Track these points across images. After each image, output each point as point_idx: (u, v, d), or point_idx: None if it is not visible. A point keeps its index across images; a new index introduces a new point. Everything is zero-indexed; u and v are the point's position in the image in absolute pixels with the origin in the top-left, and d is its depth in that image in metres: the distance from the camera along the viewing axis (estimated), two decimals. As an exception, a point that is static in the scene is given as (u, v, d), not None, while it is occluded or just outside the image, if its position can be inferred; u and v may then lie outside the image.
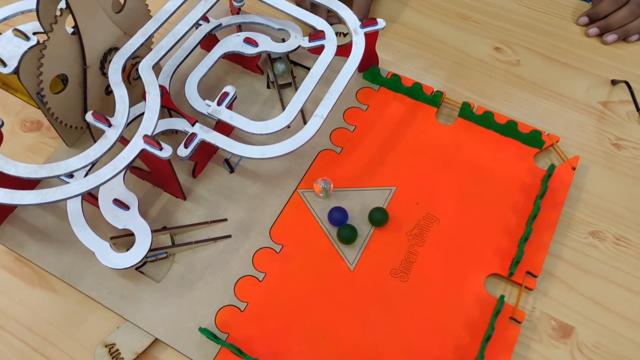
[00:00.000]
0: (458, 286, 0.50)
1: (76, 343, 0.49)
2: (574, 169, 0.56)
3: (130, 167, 0.55)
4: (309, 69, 0.55)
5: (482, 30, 0.70)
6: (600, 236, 0.53)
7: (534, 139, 0.57)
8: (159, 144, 0.46)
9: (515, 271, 0.50)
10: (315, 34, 0.57)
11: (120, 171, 0.46)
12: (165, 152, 0.47)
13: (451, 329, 0.48)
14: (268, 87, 0.63)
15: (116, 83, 0.49)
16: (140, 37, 0.52)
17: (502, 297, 0.48)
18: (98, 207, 0.50)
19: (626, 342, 0.48)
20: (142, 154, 0.48)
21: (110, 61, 0.51)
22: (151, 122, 0.48)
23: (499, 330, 0.47)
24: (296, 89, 0.60)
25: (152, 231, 0.49)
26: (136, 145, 0.47)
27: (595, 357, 0.47)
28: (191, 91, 0.55)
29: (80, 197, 0.50)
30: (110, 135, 0.47)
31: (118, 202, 0.50)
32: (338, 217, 0.53)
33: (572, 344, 0.48)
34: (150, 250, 0.50)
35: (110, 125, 0.48)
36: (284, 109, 0.60)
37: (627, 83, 0.63)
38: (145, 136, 0.47)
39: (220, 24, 0.61)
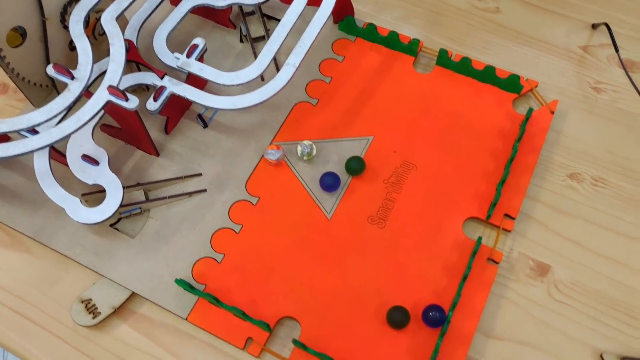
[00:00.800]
0: (436, 230, 0.50)
1: (53, 301, 0.49)
2: (552, 112, 0.56)
3: (101, 125, 0.55)
4: (280, 18, 0.54)
5: (459, -22, 0.69)
6: (579, 178, 0.53)
7: (513, 84, 0.57)
8: (125, 95, 0.45)
9: (492, 213, 0.50)
10: (286, -18, 0.55)
11: (85, 123, 0.45)
12: (132, 103, 0.46)
13: (429, 272, 0.48)
14: (241, 41, 0.62)
15: (78, 35, 0.48)
16: (103, -13, 0.51)
17: (480, 238, 0.48)
18: (67, 165, 0.49)
19: (602, 278, 0.48)
20: (110, 108, 0.47)
21: (71, 13, 0.49)
22: (116, 73, 0.47)
23: (476, 270, 0.47)
24: (269, 41, 0.59)
25: (124, 187, 0.49)
26: (101, 97, 0.46)
27: (571, 293, 0.47)
28: (160, 45, 0.54)
29: (47, 155, 0.49)
30: (74, 89, 0.46)
31: (87, 158, 0.49)
32: (330, 182, 0.51)
33: (549, 282, 0.48)
34: (124, 205, 0.49)
35: (73, 78, 0.46)
36: (257, 62, 0.59)
37: (607, 25, 0.62)
38: (110, 87, 0.46)
39: (189, -24, 0.59)
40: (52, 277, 0.50)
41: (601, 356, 0.45)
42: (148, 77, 0.52)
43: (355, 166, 0.52)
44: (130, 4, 0.51)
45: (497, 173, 0.52)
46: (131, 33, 0.55)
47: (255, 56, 0.60)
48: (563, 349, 0.46)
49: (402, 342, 0.45)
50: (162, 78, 0.51)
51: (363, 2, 0.66)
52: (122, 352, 0.47)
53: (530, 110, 0.54)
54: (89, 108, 0.45)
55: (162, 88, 0.50)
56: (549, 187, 0.53)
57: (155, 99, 0.50)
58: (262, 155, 0.54)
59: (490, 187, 0.51)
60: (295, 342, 0.44)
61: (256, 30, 0.61)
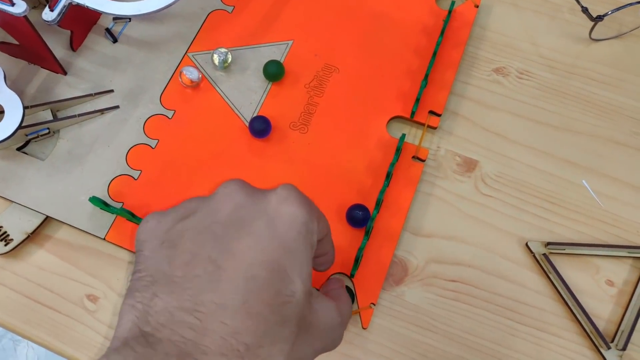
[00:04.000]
0: (360, 132, 0.48)
1: (-38, 233, 0.46)
2: (477, 7, 0.54)
3: (0, 44, 0.50)
4: None
5: None
6: (504, 72, 0.52)
7: (435, -20, 0.55)
8: (10, -2, 0.41)
9: (416, 110, 0.48)
10: None
11: (-32, 31, 0.41)
12: (18, 7, 0.42)
13: (354, 174, 0.47)
14: (149, -52, 0.58)
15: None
16: None
17: (403, 135, 0.47)
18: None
19: (526, 169, 0.48)
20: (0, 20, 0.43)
21: None
22: (-1, -24, 0.43)
23: (401, 169, 0.46)
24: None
25: (25, 106, 0.45)
26: (-16, 2, 0.42)
27: (498, 186, 0.47)
28: (55, -48, 0.49)
29: (-64, 73, 0.45)
30: (-46, -5, 0.42)
31: (-21, 74, 0.45)
32: (261, 127, 0.47)
33: (476, 177, 0.48)
34: (29, 126, 0.46)
35: (-48, -16, 0.42)
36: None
37: None
38: (-7, -9, 0.42)
39: None
40: (-41, 208, 0.47)
41: (526, 244, 0.45)
42: (42, -14, 0.48)
43: (274, 71, 0.49)
44: None
45: (422, 71, 0.51)
46: (21, -60, 0.50)
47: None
48: (491, 240, 0.46)
49: (328, 244, 0.44)
50: (57, -14, 0.47)
51: None
52: (40, 278, 0.45)
53: (453, 3, 0.52)
54: (-29, 16, 0.41)
55: (58, -4, 0.46)
56: (475, 82, 0.52)
57: (51, 8, 0.46)
58: (177, 69, 0.51)
59: (414, 85, 0.50)
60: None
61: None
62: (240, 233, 0.26)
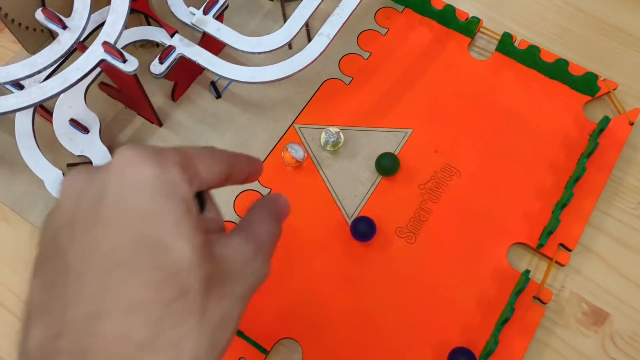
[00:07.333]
0: (475, 254, 0.42)
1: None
2: (631, 124, 0.46)
3: (100, 83, 0.47)
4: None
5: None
6: (654, 206, 0.44)
7: (587, 84, 0.47)
8: (122, 55, 0.38)
9: (546, 242, 0.41)
10: None
11: (72, 85, 0.37)
12: (130, 65, 0.38)
13: (461, 304, 0.40)
14: (271, -2, 0.53)
15: (75, -25, 0.40)
16: None
17: (527, 272, 0.40)
18: (54, 127, 0.42)
19: (672, 339, 0.40)
20: (104, 67, 0.40)
21: (70, -53, 0.41)
22: (115, 27, 0.39)
23: (518, 311, 0.39)
24: (304, 2, 0.51)
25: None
26: (94, 54, 0.38)
27: (630, 350, 0.39)
28: (175, -5, 0.46)
29: (30, 115, 0.42)
30: (64, 40, 0.38)
31: (75, 123, 0.42)
32: (365, 231, 0.42)
33: (605, 333, 0.40)
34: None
35: (65, 27, 0.39)
36: (287, 26, 0.50)
37: None
38: (106, 43, 0.38)
39: None
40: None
41: None
42: (156, 34, 0.44)
43: (388, 165, 0.44)
44: (142, -58, 0.43)
45: (556, 191, 0.44)
46: (142, -23, 0.46)
47: (285, 19, 0.52)
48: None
49: (419, 385, 0.38)
50: (172, 36, 0.43)
51: (418, -34, 0.56)
52: None
53: (607, 119, 0.45)
54: (78, 66, 0.37)
55: (171, 48, 0.43)
56: (617, 214, 0.44)
57: (161, 61, 0.42)
58: (280, 140, 0.46)
59: (545, 207, 0.43)
60: (293, 370, 0.37)
61: (290, -13, 0.53)
62: (87, 225, 0.22)
